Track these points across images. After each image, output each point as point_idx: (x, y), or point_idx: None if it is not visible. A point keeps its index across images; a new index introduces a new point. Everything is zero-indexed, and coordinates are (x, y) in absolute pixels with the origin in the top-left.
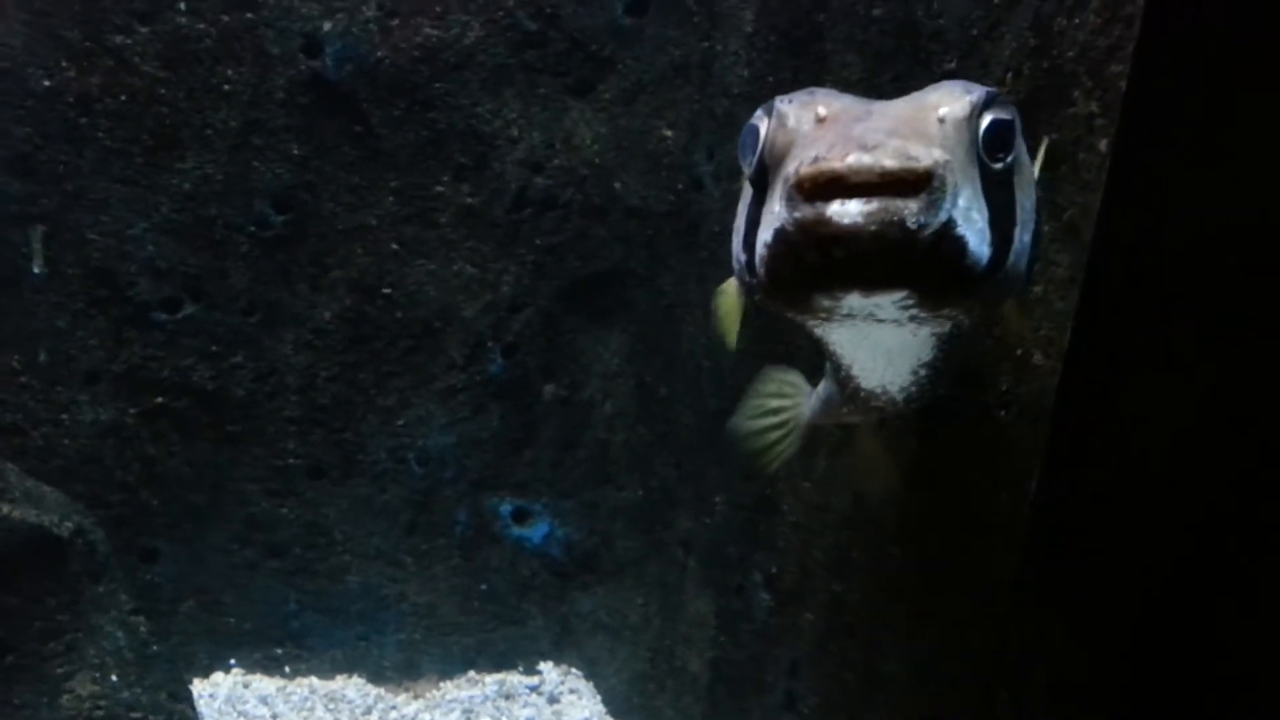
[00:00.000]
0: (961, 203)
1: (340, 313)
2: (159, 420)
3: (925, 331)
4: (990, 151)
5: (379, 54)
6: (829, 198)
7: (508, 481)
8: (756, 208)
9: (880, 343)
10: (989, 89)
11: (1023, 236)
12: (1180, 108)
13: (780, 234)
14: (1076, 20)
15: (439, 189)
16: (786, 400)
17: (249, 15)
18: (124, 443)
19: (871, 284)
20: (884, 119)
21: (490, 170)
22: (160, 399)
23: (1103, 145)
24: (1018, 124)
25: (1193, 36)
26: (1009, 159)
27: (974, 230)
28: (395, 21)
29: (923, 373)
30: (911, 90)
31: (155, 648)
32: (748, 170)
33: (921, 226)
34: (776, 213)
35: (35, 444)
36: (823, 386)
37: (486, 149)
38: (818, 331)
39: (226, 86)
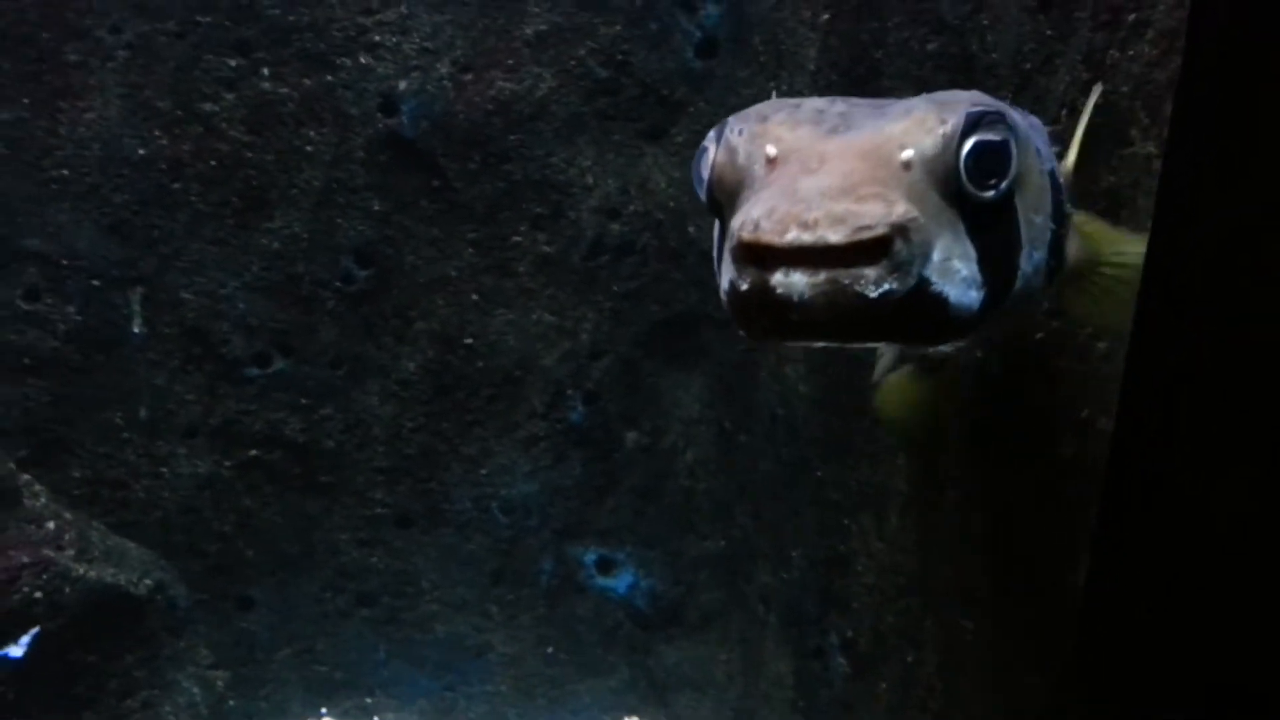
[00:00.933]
0: (937, 255)
1: (424, 364)
2: (253, 472)
3: None
4: (977, 182)
5: (454, 109)
6: (774, 266)
7: (591, 530)
8: (721, 237)
9: None
10: (971, 108)
11: (1033, 256)
12: (1230, 147)
13: (733, 289)
14: (1130, 52)
15: (516, 239)
16: None
17: (328, 78)
18: (220, 494)
19: (838, 339)
20: (838, 165)
21: (566, 218)
22: (254, 451)
23: None
24: (1012, 143)
25: (1241, 69)
26: (1004, 184)
27: (956, 281)
28: (469, 76)
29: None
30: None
31: (232, 703)
32: (701, 197)
33: (884, 294)
34: (728, 264)
35: (137, 496)
36: None
37: (562, 197)
38: None
39: (309, 148)
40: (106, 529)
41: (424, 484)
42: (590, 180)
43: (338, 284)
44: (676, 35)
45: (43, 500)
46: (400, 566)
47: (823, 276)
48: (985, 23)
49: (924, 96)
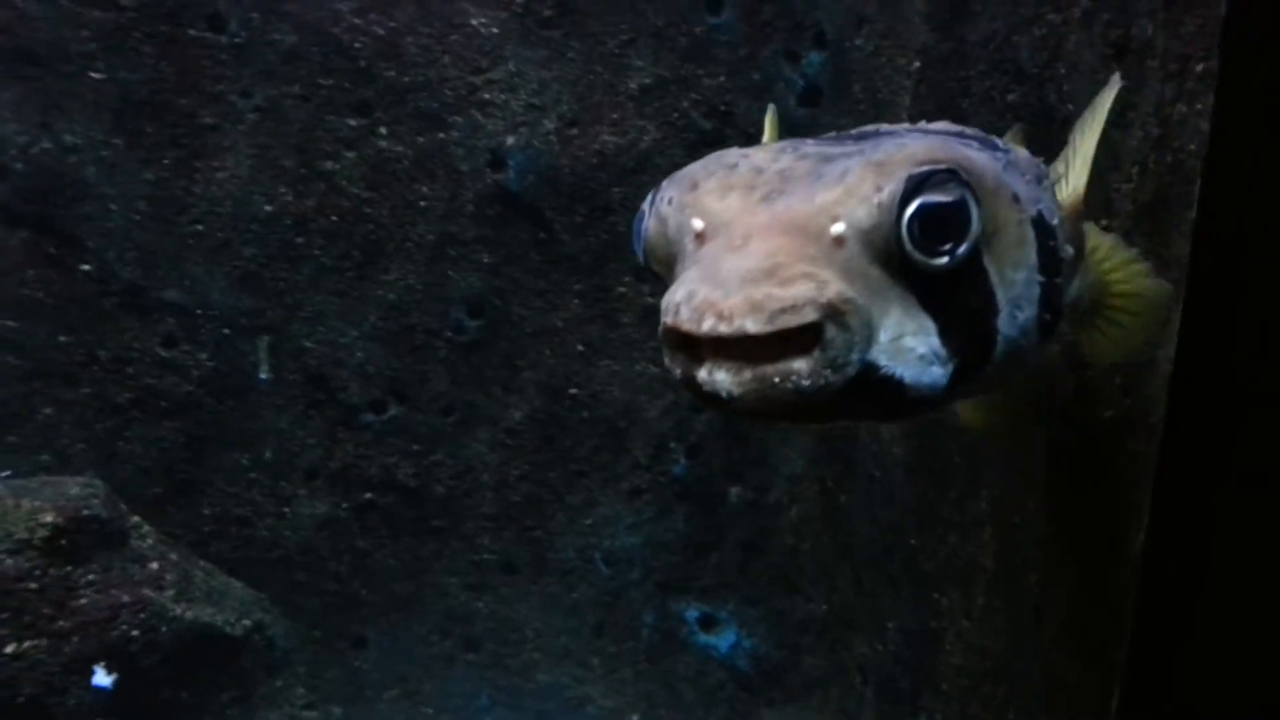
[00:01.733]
0: (884, 336)
1: (530, 413)
2: (368, 514)
3: None
4: (927, 250)
5: (559, 163)
6: (699, 356)
7: (694, 585)
8: None
9: None
10: (913, 169)
11: (1017, 317)
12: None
13: (671, 373)
14: (1198, 105)
15: (621, 290)
16: None
17: (440, 135)
18: (337, 535)
19: (792, 424)
20: (763, 243)
21: None
22: (369, 494)
23: None
24: (969, 201)
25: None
26: (962, 248)
27: (911, 361)
28: (574, 131)
29: None
30: None
31: None
32: (642, 263)
33: (821, 388)
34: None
35: (261, 534)
36: None
37: None
38: None
39: (423, 203)
40: (215, 569)
41: (529, 532)
42: None
43: (449, 334)
44: (780, 84)
45: (149, 541)
46: (505, 613)
47: (748, 375)
48: (1062, 71)
49: (869, 148)
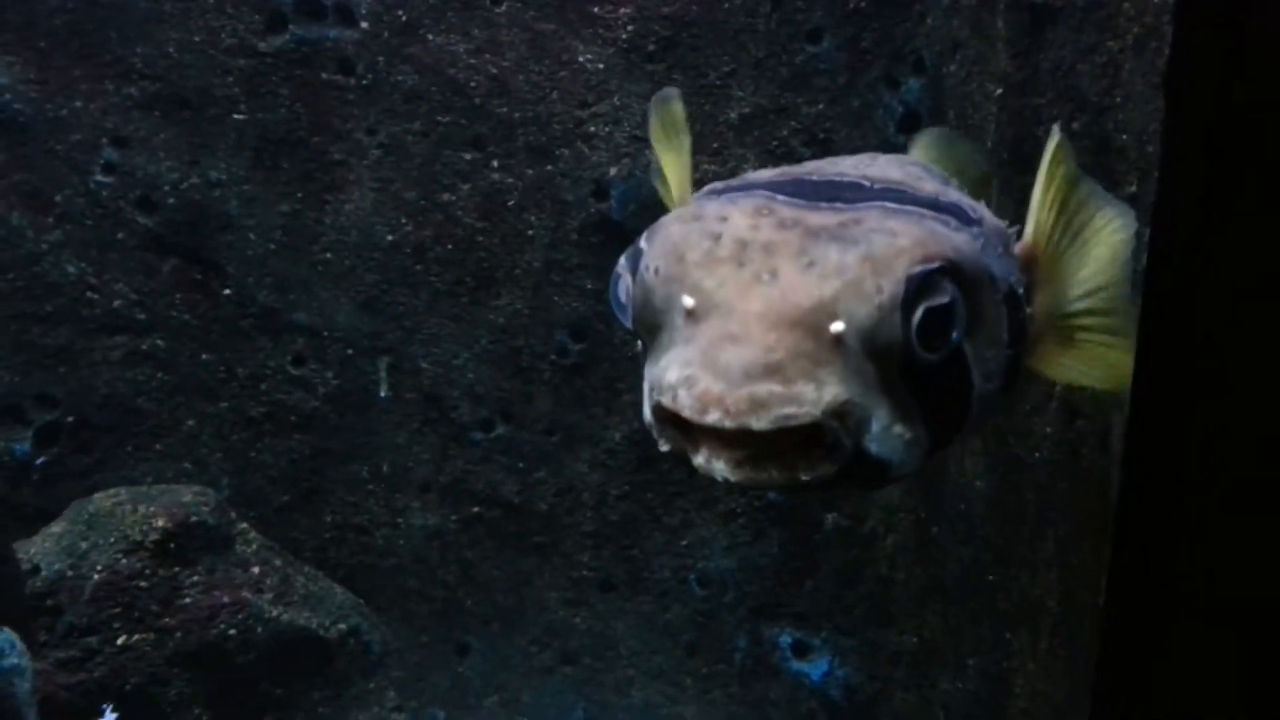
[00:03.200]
0: (876, 426)
1: (629, 435)
2: (475, 528)
3: None
4: (924, 345)
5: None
6: (694, 439)
7: (787, 611)
8: (644, 355)
9: None
10: (911, 268)
11: (986, 389)
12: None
13: (656, 441)
14: None
15: None
16: None
17: (548, 167)
18: (446, 546)
19: (775, 493)
20: (762, 334)
21: None
22: (476, 509)
23: None
24: (959, 301)
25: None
26: (951, 341)
27: (899, 446)
28: None
29: None
30: None
31: None
32: (624, 323)
33: (815, 478)
34: (649, 413)
35: (377, 543)
36: None
37: None
38: None
39: (530, 231)
40: (318, 574)
41: (626, 550)
42: None
43: (553, 357)
44: (879, 111)
45: (253, 547)
46: (601, 629)
47: (747, 470)
48: (1118, 100)
49: (859, 233)
